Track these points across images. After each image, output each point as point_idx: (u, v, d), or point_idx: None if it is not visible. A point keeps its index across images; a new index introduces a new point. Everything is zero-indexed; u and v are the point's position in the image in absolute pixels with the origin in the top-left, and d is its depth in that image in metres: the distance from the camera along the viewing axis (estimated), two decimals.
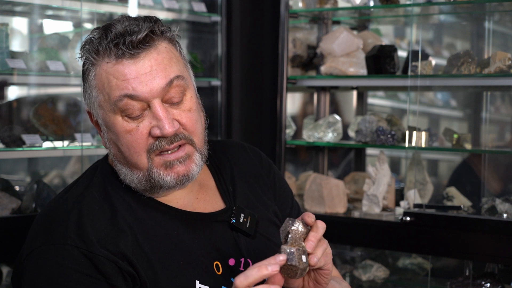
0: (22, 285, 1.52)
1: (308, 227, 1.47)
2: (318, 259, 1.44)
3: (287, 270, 1.41)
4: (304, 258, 1.42)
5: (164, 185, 1.56)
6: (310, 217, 1.46)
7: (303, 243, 1.44)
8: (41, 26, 3.02)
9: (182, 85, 1.55)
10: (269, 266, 1.37)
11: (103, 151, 2.63)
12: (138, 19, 1.54)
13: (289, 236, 1.43)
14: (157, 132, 1.52)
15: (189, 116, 1.56)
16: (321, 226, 1.47)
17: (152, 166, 1.55)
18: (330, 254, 1.51)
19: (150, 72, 1.51)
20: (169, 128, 1.51)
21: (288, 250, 1.41)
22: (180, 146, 1.56)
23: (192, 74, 1.64)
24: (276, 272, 1.38)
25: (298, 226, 1.45)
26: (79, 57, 1.59)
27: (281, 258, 1.39)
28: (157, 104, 1.52)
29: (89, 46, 1.54)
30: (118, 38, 1.50)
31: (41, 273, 1.48)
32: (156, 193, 1.61)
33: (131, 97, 1.51)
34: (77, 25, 2.88)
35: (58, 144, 2.64)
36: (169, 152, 1.55)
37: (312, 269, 1.51)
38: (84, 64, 1.57)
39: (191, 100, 1.58)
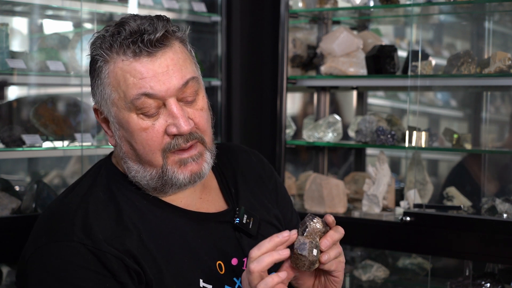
0: (28, 285, 1.50)
1: (327, 228, 1.51)
2: (329, 259, 1.47)
3: (297, 260, 1.46)
4: (315, 251, 1.46)
5: (176, 182, 1.57)
6: (331, 218, 1.50)
7: (318, 239, 1.48)
8: (41, 26, 3.02)
9: (196, 85, 1.57)
10: (280, 251, 1.43)
11: (103, 151, 2.63)
12: (150, 17, 1.54)
13: (307, 229, 1.48)
14: (173, 130, 1.53)
15: (201, 115, 1.58)
16: (340, 230, 1.51)
17: (167, 164, 1.55)
18: (342, 263, 1.53)
19: (167, 71, 1.51)
20: (185, 126, 1.52)
21: (301, 240, 1.46)
22: (192, 144, 1.57)
23: (200, 73, 1.65)
24: (286, 256, 1.44)
25: (317, 223, 1.49)
26: (88, 54, 1.58)
27: (285, 234, 1.45)
28: (173, 103, 1.52)
29: (101, 43, 1.53)
30: (133, 36, 1.50)
31: (47, 271, 1.47)
32: (164, 193, 1.61)
33: (149, 95, 1.51)
34: (77, 25, 2.87)
35: (58, 144, 2.64)
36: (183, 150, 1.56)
37: (323, 273, 1.54)
38: (94, 61, 1.56)
39: (203, 99, 1.59)
